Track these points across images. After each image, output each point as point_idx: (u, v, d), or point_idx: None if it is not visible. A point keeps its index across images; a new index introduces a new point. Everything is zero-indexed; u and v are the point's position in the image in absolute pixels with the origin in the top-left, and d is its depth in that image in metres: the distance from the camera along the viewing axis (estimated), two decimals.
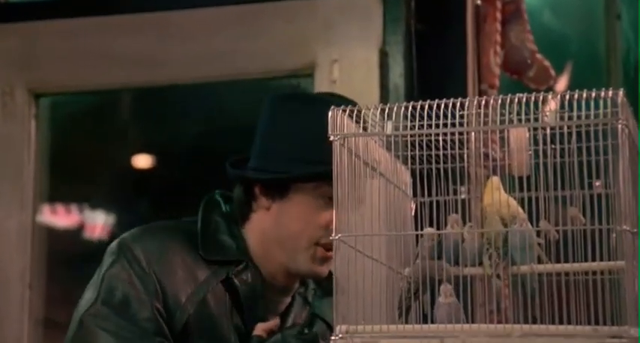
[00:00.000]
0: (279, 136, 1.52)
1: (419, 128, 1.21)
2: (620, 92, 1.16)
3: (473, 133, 1.27)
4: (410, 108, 1.21)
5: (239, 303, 1.48)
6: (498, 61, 2.34)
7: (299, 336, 1.47)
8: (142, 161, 2.86)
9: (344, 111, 1.22)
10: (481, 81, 2.30)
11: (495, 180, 1.28)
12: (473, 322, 1.21)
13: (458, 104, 1.20)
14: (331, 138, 1.22)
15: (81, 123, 2.88)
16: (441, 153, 1.31)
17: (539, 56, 2.41)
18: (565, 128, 1.19)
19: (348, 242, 1.20)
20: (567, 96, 1.17)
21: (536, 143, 1.22)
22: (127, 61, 2.61)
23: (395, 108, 1.21)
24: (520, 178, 1.26)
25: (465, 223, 1.29)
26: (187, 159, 2.80)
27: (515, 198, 1.27)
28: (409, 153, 1.31)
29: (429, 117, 1.20)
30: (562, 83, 2.61)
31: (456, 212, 1.32)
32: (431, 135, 1.24)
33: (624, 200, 1.15)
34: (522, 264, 1.23)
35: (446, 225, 1.29)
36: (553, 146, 1.22)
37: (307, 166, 1.47)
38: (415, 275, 1.26)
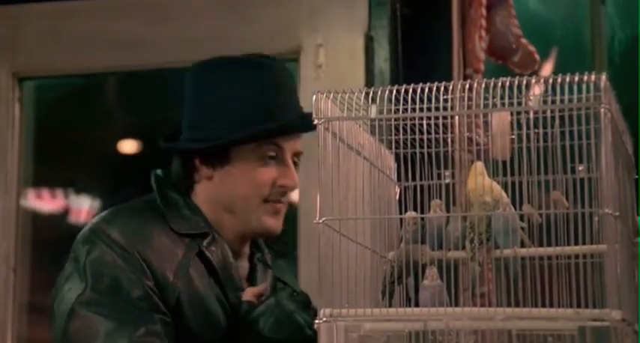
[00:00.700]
0: (209, 104, 1.51)
1: (403, 112, 1.21)
2: (603, 76, 1.16)
3: (457, 117, 1.27)
4: (394, 92, 1.21)
5: (216, 275, 1.48)
6: (484, 46, 2.34)
7: (292, 298, 1.47)
8: (128, 145, 2.85)
9: (328, 94, 1.22)
10: (466, 66, 2.30)
11: (479, 165, 1.28)
12: (457, 305, 1.21)
13: (442, 88, 1.20)
14: (315, 121, 1.22)
15: (66, 106, 2.86)
16: (425, 137, 1.31)
17: (524, 41, 2.41)
18: (548, 112, 1.20)
19: (332, 225, 1.20)
20: (550, 81, 1.17)
21: (519, 127, 1.23)
22: (113, 44, 2.59)
23: (379, 92, 1.21)
24: (503, 162, 1.26)
25: (449, 207, 1.29)
26: None
27: (498, 182, 1.27)
28: (393, 137, 1.32)
29: (414, 101, 1.20)
30: (547, 68, 2.62)
31: (440, 196, 1.32)
32: (415, 119, 1.24)
33: (607, 184, 1.15)
34: (506, 248, 1.24)
35: (429, 209, 1.29)
36: (536, 130, 1.22)
37: (243, 128, 1.47)
38: (399, 260, 1.27)
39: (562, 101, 1.17)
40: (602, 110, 1.15)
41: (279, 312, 1.45)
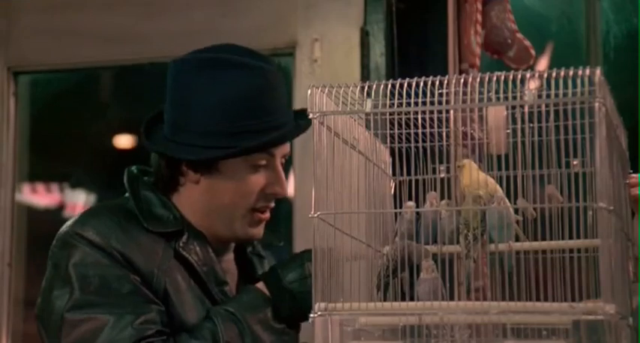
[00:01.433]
0: (196, 106, 1.45)
1: (398, 106, 1.21)
2: (598, 71, 1.16)
3: (452, 112, 1.27)
4: (390, 86, 1.20)
5: (196, 275, 1.46)
6: (479, 41, 2.34)
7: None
8: (123, 139, 2.85)
9: (323, 89, 1.22)
10: (462, 60, 2.30)
11: (470, 162, 1.29)
12: (452, 299, 1.21)
13: (437, 82, 1.19)
14: (310, 115, 1.21)
15: (61, 101, 2.85)
16: (420, 131, 1.31)
17: (519, 36, 2.41)
18: (543, 106, 1.20)
19: (327, 219, 1.20)
20: (545, 75, 1.17)
21: (514, 121, 1.23)
22: (108, 38, 2.59)
23: (375, 86, 1.21)
24: (498, 156, 1.26)
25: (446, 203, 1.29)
26: None
27: (493, 177, 1.27)
28: (388, 131, 1.31)
29: (409, 95, 1.20)
30: (542, 63, 2.62)
31: (436, 191, 1.32)
32: (410, 113, 1.24)
33: (601, 178, 1.16)
34: (500, 242, 1.24)
35: (424, 203, 1.29)
36: (531, 124, 1.22)
37: (235, 140, 1.43)
38: (394, 254, 1.27)
39: (557, 95, 1.17)
40: (597, 104, 1.15)
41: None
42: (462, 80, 1.19)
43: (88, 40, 2.60)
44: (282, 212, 2.47)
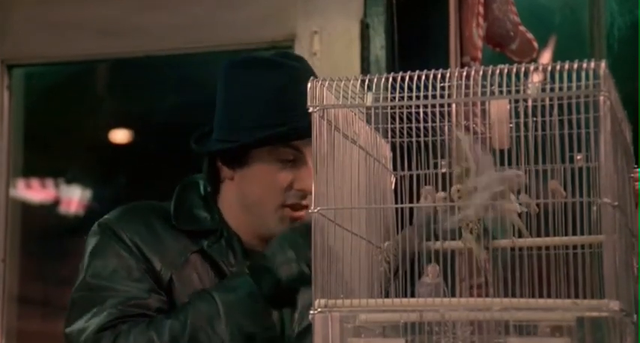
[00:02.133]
0: (232, 104, 1.53)
1: (399, 100, 1.19)
2: (603, 63, 1.14)
3: (454, 106, 1.25)
4: (390, 79, 1.19)
5: (222, 273, 1.50)
6: (481, 34, 2.33)
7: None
8: (119, 134, 2.83)
9: (323, 82, 1.20)
10: (463, 53, 2.29)
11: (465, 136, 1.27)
12: (453, 296, 1.20)
13: (439, 75, 1.18)
14: (310, 109, 1.20)
15: (56, 94, 2.84)
16: (421, 125, 1.29)
17: (522, 28, 2.40)
18: (547, 100, 1.18)
19: (327, 215, 1.19)
20: (549, 68, 1.15)
21: (517, 115, 1.21)
22: (104, 31, 2.57)
23: (375, 80, 1.19)
24: (501, 151, 1.25)
25: (443, 197, 1.28)
26: (165, 132, 2.77)
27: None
28: (389, 125, 1.30)
29: (410, 89, 1.18)
30: (545, 56, 2.60)
31: (437, 186, 1.30)
32: (411, 107, 1.22)
33: (605, 173, 1.14)
34: (502, 238, 1.23)
35: (419, 197, 1.28)
36: (534, 118, 1.20)
37: (257, 132, 1.48)
38: (395, 250, 1.25)
39: (561, 89, 1.15)
40: (602, 98, 1.14)
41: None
42: (464, 73, 1.18)
43: (83, 32, 2.59)
44: None
